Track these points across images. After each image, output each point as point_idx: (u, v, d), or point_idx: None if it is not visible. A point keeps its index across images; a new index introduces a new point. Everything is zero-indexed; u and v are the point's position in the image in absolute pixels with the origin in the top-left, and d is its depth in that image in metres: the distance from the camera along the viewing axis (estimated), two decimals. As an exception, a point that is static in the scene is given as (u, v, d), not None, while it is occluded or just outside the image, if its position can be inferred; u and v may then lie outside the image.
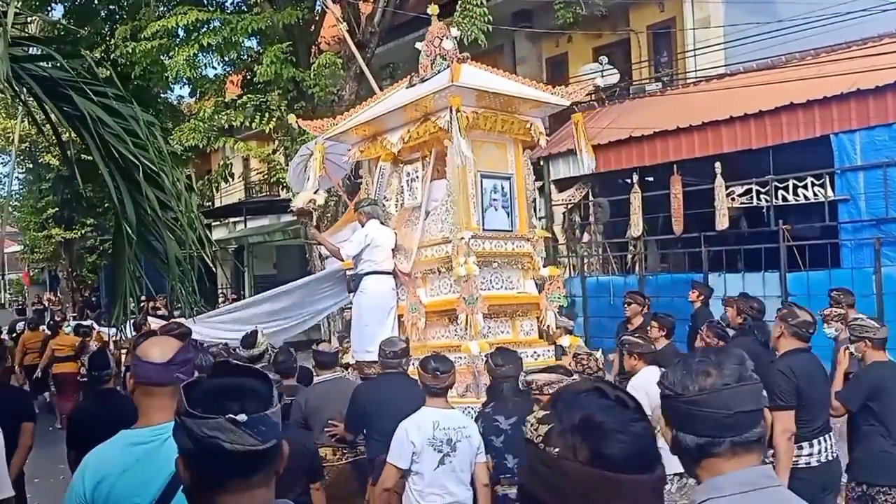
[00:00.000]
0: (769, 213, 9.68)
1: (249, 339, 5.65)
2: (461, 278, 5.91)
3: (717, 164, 10.12)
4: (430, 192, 6.52)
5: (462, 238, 6.02)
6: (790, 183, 9.50)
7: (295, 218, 17.06)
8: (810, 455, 4.31)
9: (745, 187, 10.03)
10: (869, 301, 8.49)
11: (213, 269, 3.50)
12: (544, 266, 6.69)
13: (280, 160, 15.50)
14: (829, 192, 9.06)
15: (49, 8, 16.57)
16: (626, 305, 7.84)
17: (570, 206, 12.39)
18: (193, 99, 17.80)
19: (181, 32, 14.42)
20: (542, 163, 12.71)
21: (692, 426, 1.57)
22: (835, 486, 4.53)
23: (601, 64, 14.18)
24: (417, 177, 6.72)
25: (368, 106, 7.13)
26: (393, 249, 6.58)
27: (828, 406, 4.47)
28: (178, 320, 6.24)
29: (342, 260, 6.76)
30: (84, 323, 13.76)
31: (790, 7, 13.06)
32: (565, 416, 1.08)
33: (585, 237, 12.39)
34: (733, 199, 10.10)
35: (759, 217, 10.11)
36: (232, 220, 23.23)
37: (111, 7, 16.81)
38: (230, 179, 17.24)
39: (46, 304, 27.39)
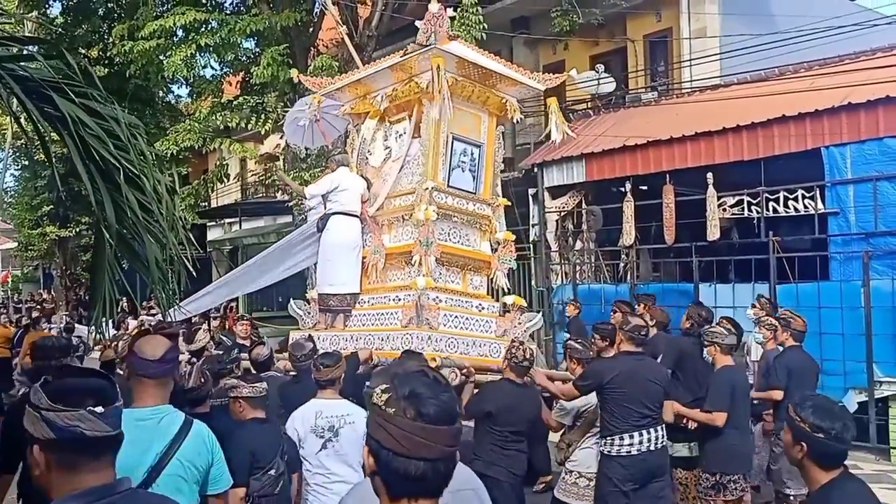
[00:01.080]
0: (760, 224, 9.70)
1: (189, 335, 6.24)
2: (419, 222, 6.53)
3: (710, 175, 10.15)
4: (409, 148, 7.01)
5: (426, 188, 6.59)
6: (781, 195, 9.54)
7: (290, 220, 17.10)
8: (630, 445, 4.85)
9: (737, 198, 10.06)
10: (857, 314, 8.53)
11: (195, 273, 3.51)
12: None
13: (278, 163, 15.51)
14: (820, 205, 9.09)
15: (47, 5, 16.59)
16: (612, 313, 7.90)
17: (563, 214, 12.42)
18: (191, 99, 17.83)
19: (179, 32, 14.45)
20: (535, 170, 12.75)
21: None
22: (662, 473, 5.04)
23: (598, 72, 14.22)
24: (402, 132, 7.21)
25: (364, 70, 7.59)
26: (363, 196, 7.19)
27: (651, 403, 4.95)
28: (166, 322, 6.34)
29: (306, 197, 7.54)
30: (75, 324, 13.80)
31: (786, 19, 13.13)
32: (399, 388, 1.65)
33: (578, 245, 12.41)
34: (725, 210, 10.13)
35: (750, 228, 10.13)
36: (227, 220, 23.23)
37: (109, 5, 16.83)
38: (226, 180, 17.24)
39: (35, 302, 27.41)
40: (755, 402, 6.20)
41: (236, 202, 23.23)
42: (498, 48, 16.23)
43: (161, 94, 17.83)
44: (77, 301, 26.65)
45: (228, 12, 15.71)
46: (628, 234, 11.26)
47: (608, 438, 4.94)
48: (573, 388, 5.23)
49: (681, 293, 10.24)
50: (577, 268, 12.18)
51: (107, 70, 18.04)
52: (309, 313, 7.58)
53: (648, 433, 4.90)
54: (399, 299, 6.61)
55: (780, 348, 6.47)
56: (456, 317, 6.59)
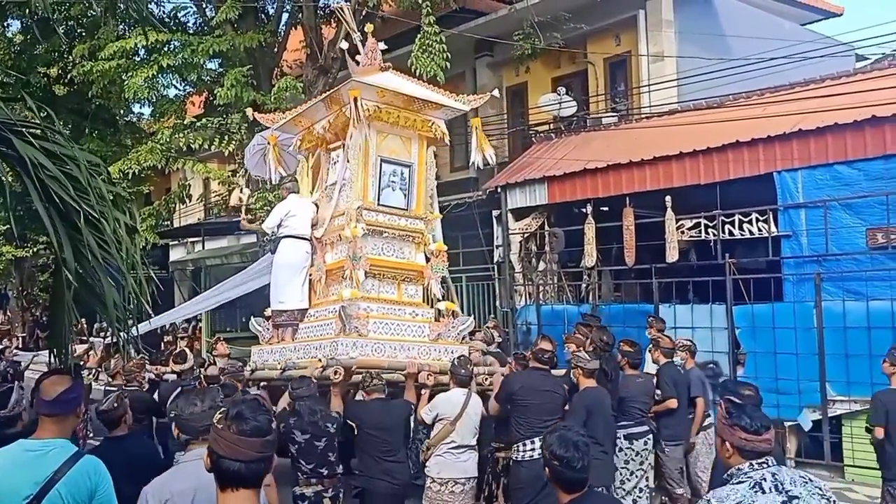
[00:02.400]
0: (717, 246, 9.93)
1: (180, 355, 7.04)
2: (348, 239, 7.24)
3: (668, 198, 10.37)
4: (346, 172, 7.62)
5: (355, 207, 7.33)
6: (736, 218, 9.78)
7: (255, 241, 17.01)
8: (532, 450, 5.55)
9: (694, 221, 10.28)
10: (811, 334, 8.75)
11: (150, 313, 3.53)
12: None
13: (240, 182, 15.43)
14: (773, 228, 9.34)
15: (5, 24, 16.38)
16: (573, 333, 8.16)
17: (526, 235, 12.56)
18: (153, 118, 17.68)
19: (141, 52, 14.37)
20: (499, 192, 12.89)
21: None
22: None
23: (559, 94, 14.45)
24: (337, 159, 7.92)
25: (303, 106, 8.38)
26: (313, 221, 7.91)
27: (550, 414, 5.70)
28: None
29: (267, 233, 8.16)
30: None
31: (740, 44, 13.51)
32: (230, 411, 2.37)
33: (541, 266, 12.56)
34: (683, 233, 10.35)
35: (708, 250, 10.36)
36: (190, 240, 23.00)
37: (69, 24, 16.66)
38: (188, 200, 17.12)
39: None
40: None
41: (199, 222, 23.02)
42: (462, 69, 16.47)
43: (122, 113, 17.64)
44: (34, 322, 26.07)
45: (191, 32, 15.68)
46: (590, 256, 11.43)
47: (515, 445, 5.65)
48: (494, 401, 6.05)
49: (641, 314, 10.39)
50: (541, 289, 12.30)
51: (67, 89, 17.85)
52: (267, 329, 8.17)
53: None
54: (335, 311, 7.15)
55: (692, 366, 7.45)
56: (387, 324, 7.32)
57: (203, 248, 21.70)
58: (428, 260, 7.93)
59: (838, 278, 8.73)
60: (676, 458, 7.09)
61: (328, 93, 7.82)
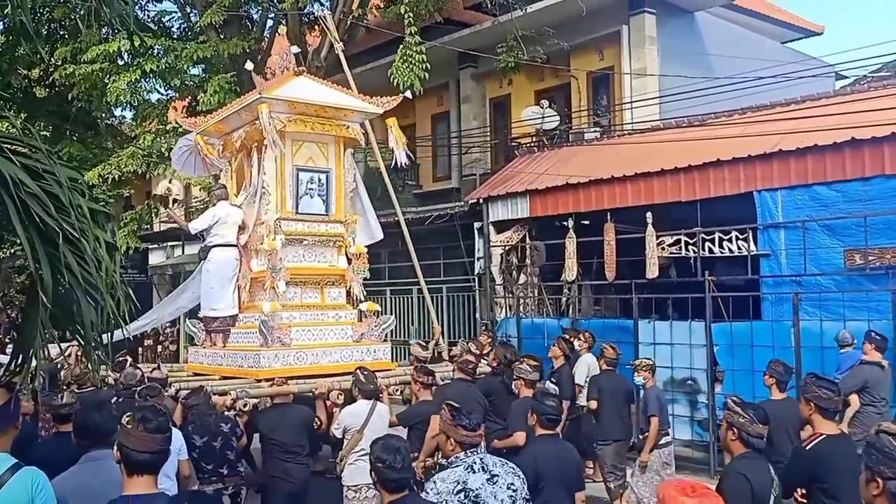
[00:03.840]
0: (697, 263, 10.00)
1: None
2: (266, 252, 7.57)
3: (649, 214, 10.43)
4: (263, 179, 7.92)
5: (273, 219, 7.66)
6: (716, 236, 9.84)
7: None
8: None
9: (675, 237, 10.35)
10: (787, 353, 8.80)
11: (130, 336, 3.52)
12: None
13: (171, 207, 15.40)
14: (752, 247, 9.42)
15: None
16: (553, 346, 8.94)
17: (507, 248, 12.58)
18: (135, 122, 17.55)
19: (124, 56, 14.27)
20: (481, 203, 12.92)
21: None
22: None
23: (542, 107, 14.52)
24: (254, 166, 8.19)
25: (220, 114, 8.67)
26: (240, 226, 8.23)
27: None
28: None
29: (191, 232, 8.54)
30: None
31: (723, 61, 13.66)
32: (136, 414, 3.02)
33: (522, 279, 12.58)
34: (663, 249, 10.42)
35: (688, 267, 10.43)
36: (170, 244, 22.82)
37: (52, 26, 16.52)
38: (172, 207, 17.01)
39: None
40: None
41: (179, 226, 22.84)
42: (445, 80, 16.51)
43: (104, 116, 17.48)
44: (9, 323, 25.74)
45: (176, 37, 15.59)
46: (570, 270, 11.48)
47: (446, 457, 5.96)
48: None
49: (620, 329, 10.46)
50: (521, 301, 12.32)
51: (48, 91, 17.67)
52: (202, 330, 8.55)
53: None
54: (258, 319, 7.44)
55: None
56: (310, 330, 7.68)
57: (183, 252, 21.52)
58: (350, 262, 8.27)
59: (816, 298, 8.81)
60: (606, 456, 7.81)
61: (241, 106, 8.05)
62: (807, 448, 4.36)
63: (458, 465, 3.81)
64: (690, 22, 14.91)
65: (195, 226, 8.32)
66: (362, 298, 8.36)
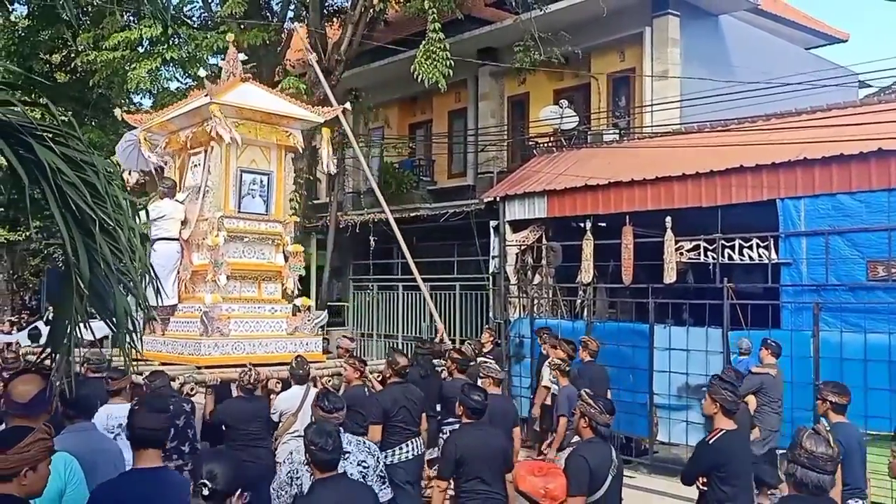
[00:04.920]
0: (715, 270, 9.92)
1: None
2: (209, 247, 8.03)
3: (668, 219, 10.36)
4: (210, 178, 8.38)
5: (217, 217, 8.10)
6: (737, 242, 9.76)
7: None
8: (407, 452, 6.43)
9: (694, 243, 10.27)
10: (806, 363, 8.75)
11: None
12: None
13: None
14: (773, 255, 9.33)
15: (11, 9, 16.24)
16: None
17: (523, 248, 12.52)
18: (155, 110, 17.55)
19: (145, 44, 14.26)
20: (498, 202, 12.87)
21: None
22: (418, 476, 6.73)
23: (561, 107, 14.44)
24: (199, 163, 8.67)
25: (178, 108, 9.14)
26: (183, 221, 8.64)
27: (412, 422, 6.57)
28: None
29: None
30: None
31: (746, 66, 13.57)
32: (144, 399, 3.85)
33: (537, 279, 12.52)
34: (682, 254, 10.34)
35: (706, 273, 10.36)
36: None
37: (75, 11, 16.52)
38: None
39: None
40: None
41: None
42: (463, 77, 16.45)
43: (123, 103, 17.52)
44: (22, 305, 25.93)
45: (196, 26, 15.59)
46: (587, 272, 11.41)
47: (387, 451, 6.25)
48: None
49: (635, 333, 10.41)
50: (535, 302, 12.27)
51: (69, 77, 17.70)
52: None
53: (414, 443, 6.52)
54: (199, 310, 7.91)
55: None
56: (247, 322, 8.18)
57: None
58: (287, 259, 8.87)
59: (837, 309, 8.72)
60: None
61: (189, 107, 8.62)
62: (709, 442, 4.93)
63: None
64: (714, 25, 14.82)
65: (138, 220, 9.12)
66: (297, 293, 9.09)
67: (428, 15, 12.70)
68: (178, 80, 16.08)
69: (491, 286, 13.41)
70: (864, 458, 5.82)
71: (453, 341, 10.71)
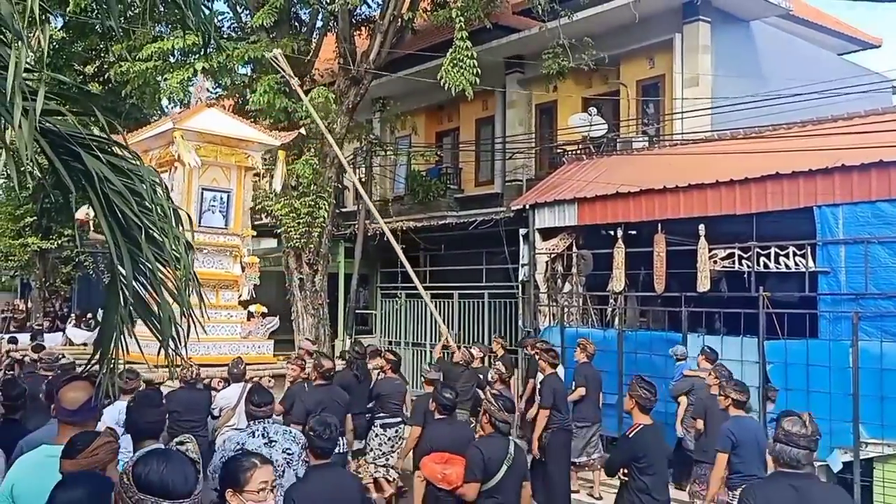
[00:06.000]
0: (750, 278, 9.77)
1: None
2: None
3: (702, 226, 10.23)
4: (173, 196, 9.76)
5: None
6: (772, 250, 9.61)
7: (276, 246, 17.06)
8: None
9: (728, 251, 10.13)
10: (845, 374, 8.58)
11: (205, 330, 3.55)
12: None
13: (265, 187, 15.46)
14: (811, 263, 9.17)
15: (47, 22, 16.48)
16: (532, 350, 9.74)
17: (553, 256, 12.44)
18: (183, 119, 17.76)
19: (175, 53, 14.42)
20: (527, 210, 12.80)
21: None
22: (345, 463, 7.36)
23: (590, 115, 14.37)
24: (164, 182, 10.27)
25: (147, 130, 10.35)
26: None
27: (336, 422, 7.18)
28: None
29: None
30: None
31: (778, 72, 13.39)
32: (137, 397, 4.92)
33: (566, 287, 12.43)
34: (716, 262, 10.20)
35: (740, 281, 10.20)
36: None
37: (108, 24, 16.76)
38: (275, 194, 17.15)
39: (11, 311, 27.04)
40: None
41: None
42: (491, 85, 16.42)
43: (155, 113, 17.74)
44: (54, 314, 26.23)
45: (225, 37, 15.73)
46: (618, 280, 11.30)
47: None
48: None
49: (668, 342, 10.28)
50: (565, 311, 12.18)
51: (101, 88, 17.94)
52: None
53: (338, 442, 7.25)
54: None
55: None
56: (205, 326, 9.10)
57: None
58: (243, 269, 9.88)
59: (876, 318, 8.55)
60: (590, 433, 9.25)
61: (157, 131, 9.72)
62: (629, 436, 5.53)
63: (244, 432, 5.02)
64: (746, 31, 14.66)
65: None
66: (252, 299, 10.13)
67: (455, 23, 12.70)
68: (208, 91, 16.23)
69: (520, 294, 13.31)
70: (762, 451, 6.11)
71: (468, 346, 11.04)
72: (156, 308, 3.41)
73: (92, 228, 11.60)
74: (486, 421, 5.29)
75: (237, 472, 3.13)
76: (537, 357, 8.84)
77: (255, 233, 10.59)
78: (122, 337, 3.42)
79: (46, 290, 26.80)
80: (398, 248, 11.77)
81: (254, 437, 4.83)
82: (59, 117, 3.24)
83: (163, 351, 7.70)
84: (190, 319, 3.55)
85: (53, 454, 3.19)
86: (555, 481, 8.18)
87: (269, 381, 8.37)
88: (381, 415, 8.76)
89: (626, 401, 5.66)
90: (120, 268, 3.16)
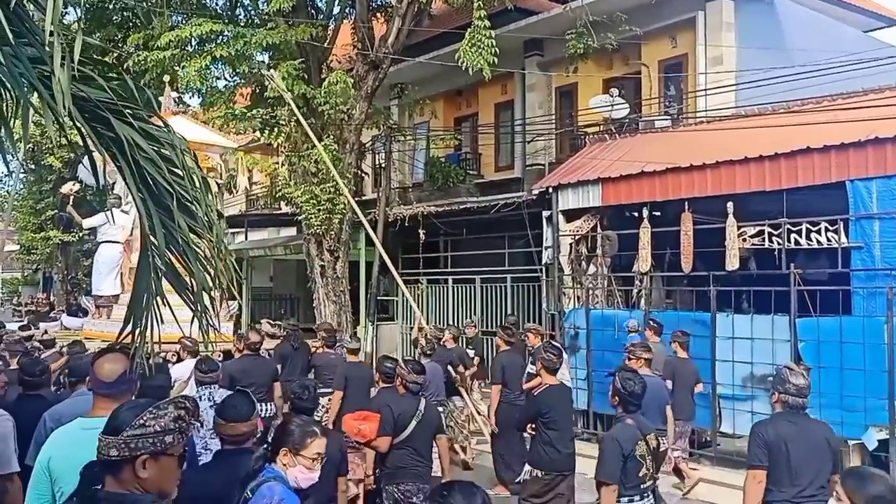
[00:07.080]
0: (781, 255, 9.59)
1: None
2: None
3: (730, 204, 10.05)
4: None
5: None
6: (804, 227, 9.41)
7: (294, 233, 17.03)
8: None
9: (757, 228, 9.94)
10: (880, 350, 8.41)
11: (237, 296, 3.47)
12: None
13: (285, 174, 15.43)
14: (843, 239, 8.97)
15: (64, 12, 16.50)
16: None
17: (577, 237, 12.30)
18: (202, 109, 17.74)
19: (194, 42, 14.38)
20: (550, 192, 12.67)
21: None
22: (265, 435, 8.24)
23: (611, 96, 14.19)
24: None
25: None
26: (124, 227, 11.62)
27: (262, 387, 8.36)
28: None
29: (84, 227, 13.67)
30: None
31: (802, 53, 13.13)
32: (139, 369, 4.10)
33: (591, 269, 12.29)
34: (744, 240, 10.02)
35: (769, 259, 10.02)
36: (232, 230, 23.10)
37: (125, 14, 16.77)
38: (234, 191, 17.16)
39: (34, 305, 27.32)
40: None
41: (241, 213, 23.10)
42: (511, 69, 16.26)
43: (176, 102, 17.73)
44: (77, 306, 26.45)
45: (243, 24, 15.66)
46: (644, 261, 11.15)
47: None
48: None
49: (696, 322, 10.14)
50: (590, 292, 12.04)
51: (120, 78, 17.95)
52: (93, 306, 12.25)
53: (264, 406, 7.82)
54: None
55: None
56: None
57: (245, 238, 21.76)
58: None
59: (912, 293, 8.36)
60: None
61: None
62: (536, 394, 6.45)
63: (194, 395, 5.57)
64: (769, 8, 14.41)
65: (89, 223, 12.63)
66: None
67: (474, 3, 12.55)
68: (225, 79, 16.20)
69: (544, 277, 13.20)
70: (663, 406, 7.59)
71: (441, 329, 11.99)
72: (188, 279, 3.35)
73: (71, 203, 13.13)
74: (400, 383, 6.16)
75: (301, 435, 3.31)
76: (505, 337, 9.60)
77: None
78: (153, 310, 3.36)
79: (69, 283, 27.03)
80: (374, 236, 13.20)
81: (201, 400, 5.44)
82: (86, 85, 3.16)
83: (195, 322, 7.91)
84: (222, 290, 3.48)
85: (90, 426, 3.13)
86: (512, 451, 8.95)
87: (218, 356, 8.89)
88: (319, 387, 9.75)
89: (538, 366, 6.60)
90: (152, 237, 3.09)
